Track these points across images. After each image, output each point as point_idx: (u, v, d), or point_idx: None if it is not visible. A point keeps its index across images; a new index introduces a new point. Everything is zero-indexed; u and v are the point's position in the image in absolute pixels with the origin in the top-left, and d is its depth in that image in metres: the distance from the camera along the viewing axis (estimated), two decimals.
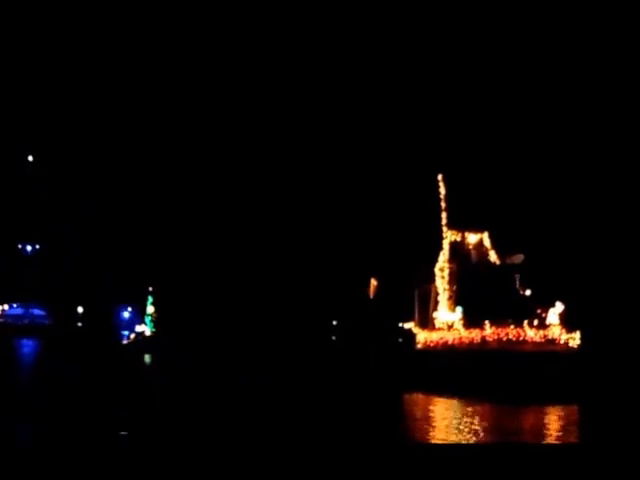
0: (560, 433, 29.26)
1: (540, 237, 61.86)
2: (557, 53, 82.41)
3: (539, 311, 43.84)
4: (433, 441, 25.75)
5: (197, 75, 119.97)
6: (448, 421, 31.92)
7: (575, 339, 42.28)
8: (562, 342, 42.06)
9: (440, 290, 50.23)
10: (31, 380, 46.38)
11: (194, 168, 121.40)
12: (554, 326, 42.30)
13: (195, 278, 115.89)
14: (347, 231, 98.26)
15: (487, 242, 51.46)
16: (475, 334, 44.15)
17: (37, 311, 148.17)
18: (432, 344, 48.57)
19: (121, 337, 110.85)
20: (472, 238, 51.69)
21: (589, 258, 65.83)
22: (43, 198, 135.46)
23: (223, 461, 13.08)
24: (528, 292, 47.57)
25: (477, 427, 30.01)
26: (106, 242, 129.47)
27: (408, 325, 54.59)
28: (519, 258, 49.72)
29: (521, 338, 42.16)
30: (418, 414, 34.87)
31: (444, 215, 51.54)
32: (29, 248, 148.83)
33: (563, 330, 42.21)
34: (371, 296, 72.37)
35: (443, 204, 51.55)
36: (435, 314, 50.11)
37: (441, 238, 51.60)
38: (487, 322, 43.74)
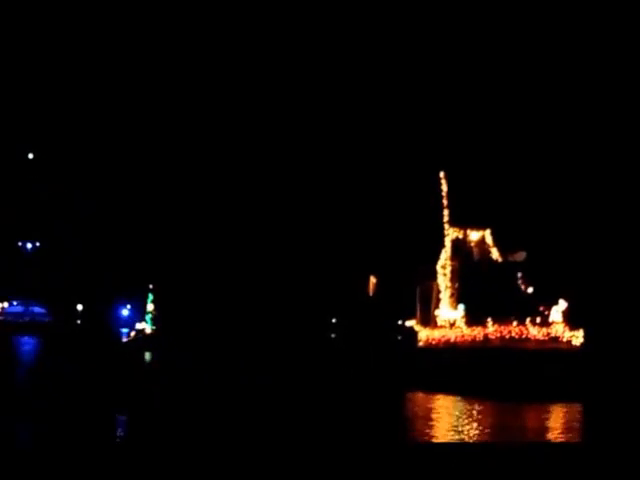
0: (563, 431, 29.18)
1: (542, 234, 61.67)
2: (559, 51, 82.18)
3: (541, 309, 43.63)
4: (435, 440, 25.61)
5: (197, 75, 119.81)
6: (450, 419, 31.80)
7: (578, 337, 42.05)
8: (565, 340, 41.82)
9: (442, 288, 50.00)
10: (31, 378, 46.24)
11: (193, 166, 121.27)
12: (557, 324, 42.08)
13: (195, 276, 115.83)
14: (347, 228, 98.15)
15: (489, 239, 51.25)
16: (477, 332, 43.92)
17: (37, 309, 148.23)
18: (434, 342, 48.37)
19: (121, 335, 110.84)
20: (474, 235, 51.48)
21: (592, 255, 65.65)
22: (43, 198, 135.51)
23: (223, 460, 12.92)
24: (530, 290, 47.36)
25: (479, 425, 29.88)
26: (106, 241, 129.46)
27: (410, 323, 54.36)
28: (521, 256, 49.50)
29: (524, 336, 41.94)
30: (420, 412, 34.72)
31: (446, 212, 51.31)
32: (29, 246, 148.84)
33: (566, 328, 41.98)
34: (370, 294, 72.28)
35: (445, 201, 51.31)
36: (437, 312, 49.89)
37: (443, 235, 51.37)
38: (489, 320, 43.53)
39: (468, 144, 67.91)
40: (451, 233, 51.20)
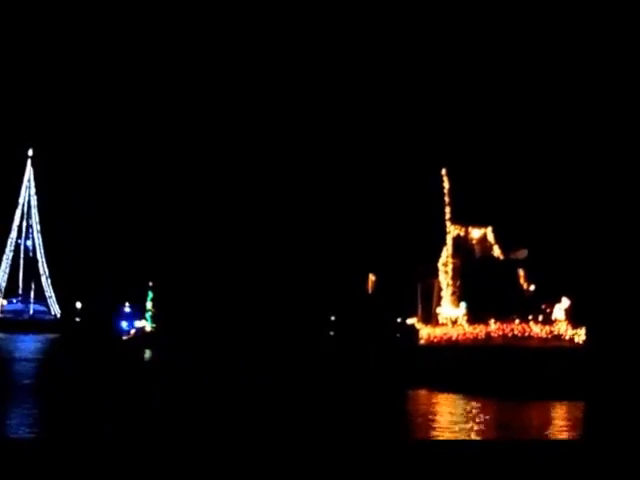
0: (566, 430, 29.05)
1: (544, 232, 61.54)
2: (560, 50, 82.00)
3: (544, 306, 43.40)
4: (437, 438, 25.44)
5: (196, 76, 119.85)
6: (452, 417, 31.65)
7: (581, 335, 41.82)
8: (568, 338, 41.60)
9: (443, 285, 49.71)
10: (30, 376, 46.12)
11: (192, 165, 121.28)
12: (560, 322, 41.85)
13: (194, 275, 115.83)
14: (346, 226, 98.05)
15: (491, 237, 50.98)
16: (479, 330, 43.68)
17: (37, 306, 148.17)
18: (435, 340, 48.13)
19: (120, 332, 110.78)
20: (476, 233, 51.19)
21: (594, 253, 65.50)
22: (45, 201, 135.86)
23: (222, 458, 12.76)
24: (532, 287, 47.14)
25: (481, 424, 29.73)
26: (106, 240, 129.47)
27: (410, 321, 54.11)
28: (523, 253, 49.24)
29: (526, 334, 41.71)
30: (421, 410, 34.61)
31: (448, 210, 51.02)
32: (29, 244, 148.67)
33: (569, 326, 41.74)
34: (369, 292, 72.17)
35: (447, 198, 51.02)
36: (438, 310, 49.62)
37: (444, 233, 51.10)
38: (492, 318, 43.30)
39: (470, 141, 67.70)
40: (452, 231, 50.91)
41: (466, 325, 45.59)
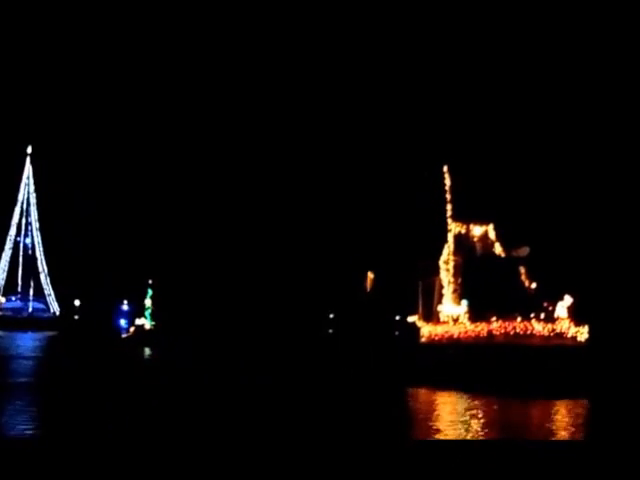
0: (568, 428, 28.87)
1: (546, 229, 61.37)
2: (562, 47, 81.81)
3: (546, 304, 43.21)
4: (438, 436, 25.28)
5: (196, 76, 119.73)
6: (453, 416, 31.53)
7: (583, 333, 41.62)
8: (570, 336, 41.39)
9: (445, 283, 49.53)
10: (29, 374, 45.97)
11: (191, 162, 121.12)
12: (562, 320, 41.64)
13: (193, 272, 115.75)
14: (345, 223, 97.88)
15: (492, 234, 50.78)
16: (481, 328, 43.48)
17: (36, 304, 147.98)
18: (437, 338, 47.95)
19: (119, 330, 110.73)
20: (477, 230, 50.99)
21: (596, 250, 65.34)
22: (44, 199, 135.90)
23: (221, 456, 12.59)
24: (534, 285, 46.95)
25: (483, 422, 29.59)
26: (105, 237, 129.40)
27: (411, 319, 53.89)
28: (525, 251, 49.05)
29: (528, 332, 41.51)
30: (422, 408, 34.48)
31: (449, 207, 50.79)
32: (28, 242, 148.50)
33: (571, 324, 41.54)
34: (368, 289, 72.05)
35: (448, 196, 50.79)
36: (440, 307, 49.43)
37: (445, 230, 50.88)
38: (493, 316, 43.12)
39: (471, 138, 67.43)
40: (454, 228, 50.71)
41: (468, 323, 45.41)
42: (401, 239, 70.72)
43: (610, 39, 78.21)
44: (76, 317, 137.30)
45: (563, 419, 31.62)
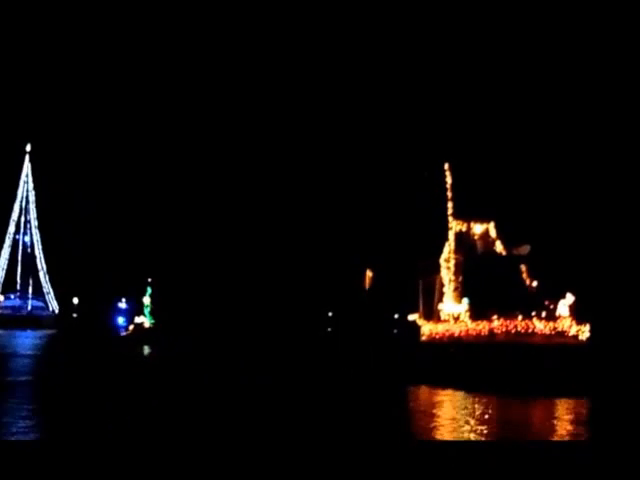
0: (569, 427, 28.73)
1: (547, 227, 61.23)
2: (562, 45, 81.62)
3: (547, 303, 43.06)
4: (438, 435, 25.13)
5: (196, 75, 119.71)
6: (454, 414, 31.32)
7: (585, 331, 41.44)
8: (571, 335, 41.22)
9: (445, 281, 49.37)
10: (27, 372, 45.87)
11: (190, 160, 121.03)
12: (564, 318, 41.47)
13: (192, 270, 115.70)
14: (344, 221, 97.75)
15: (493, 232, 50.64)
16: (482, 326, 43.32)
17: (35, 302, 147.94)
18: (437, 336, 47.79)
19: (118, 328, 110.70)
20: (478, 228, 50.85)
21: (597, 248, 65.19)
22: (43, 197, 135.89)
23: (222, 456, 12.47)
24: (535, 284, 46.80)
25: (484, 421, 29.45)
26: (103, 235, 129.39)
27: (412, 317, 53.77)
28: (526, 249, 48.92)
29: (530, 330, 41.33)
30: (423, 407, 34.33)
31: (450, 205, 50.63)
32: (27, 240, 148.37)
33: (573, 322, 41.37)
34: (366, 288, 71.94)
35: (449, 193, 50.62)
36: (440, 306, 49.29)
37: (446, 228, 50.73)
38: (494, 314, 42.95)
39: (472, 136, 67.28)
40: (455, 226, 50.57)
41: (469, 321, 45.24)
42: (401, 237, 70.62)
43: (610, 37, 78.02)
44: (75, 315, 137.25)
45: (564, 418, 31.49)
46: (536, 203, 66.07)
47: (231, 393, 36.76)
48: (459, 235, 50.47)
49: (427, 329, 49.59)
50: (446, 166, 51.09)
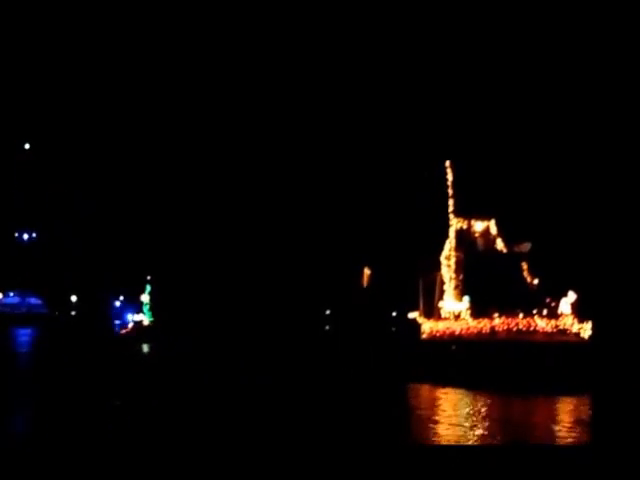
0: (571, 425, 28.56)
1: (548, 225, 61.15)
2: (563, 42, 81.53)
3: (548, 300, 42.96)
4: (439, 434, 25.01)
5: (195, 75, 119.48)
6: (455, 413, 31.22)
7: (586, 329, 41.32)
8: (573, 332, 41.10)
9: (446, 279, 49.24)
10: (28, 369, 45.78)
11: (189, 158, 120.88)
12: (566, 316, 41.35)
13: (190, 268, 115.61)
14: (344, 218, 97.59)
15: (494, 230, 50.55)
16: (484, 324, 43.18)
17: (34, 300, 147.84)
18: (438, 334, 47.66)
19: (116, 326, 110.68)
20: (478, 226, 50.79)
21: (599, 246, 65.09)
22: (43, 197, 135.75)
23: (222, 456, 12.30)
24: (536, 281, 46.71)
25: (485, 419, 29.33)
26: (102, 233, 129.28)
27: (412, 315, 53.65)
28: (526, 246, 48.85)
29: (531, 328, 41.22)
30: (423, 405, 34.20)
31: (451, 202, 50.49)
32: (26, 237, 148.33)
33: (575, 320, 41.24)
34: (364, 285, 71.93)
35: (450, 191, 50.48)
36: (441, 303, 49.16)
37: (447, 226, 50.60)
38: (495, 312, 42.83)
39: (473, 133, 67.11)
40: (455, 223, 50.46)
41: (470, 319, 45.10)
42: (402, 235, 70.44)
43: (610, 36, 77.93)
44: (73, 313, 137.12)
45: (566, 416, 31.39)
46: (537, 200, 66.03)
47: (231, 393, 36.61)
48: (460, 233, 50.37)
49: (428, 327, 49.47)
50: (447, 163, 50.97)
